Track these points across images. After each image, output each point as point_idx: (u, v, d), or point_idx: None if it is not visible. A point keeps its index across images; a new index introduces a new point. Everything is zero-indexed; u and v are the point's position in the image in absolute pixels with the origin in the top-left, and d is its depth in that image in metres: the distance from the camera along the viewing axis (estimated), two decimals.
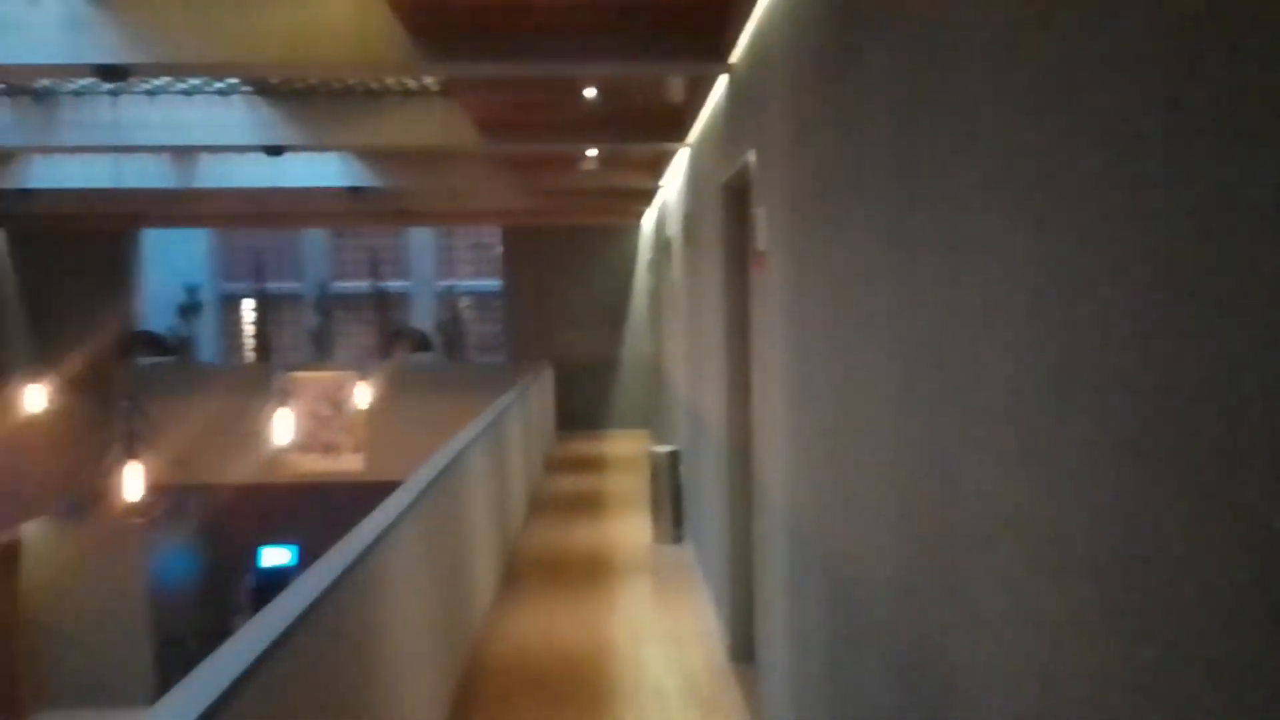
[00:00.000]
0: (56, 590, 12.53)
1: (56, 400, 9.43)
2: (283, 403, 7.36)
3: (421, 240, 20.33)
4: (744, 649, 5.50)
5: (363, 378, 12.11)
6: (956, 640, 1.83)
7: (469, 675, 5.41)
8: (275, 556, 15.50)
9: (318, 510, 15.38)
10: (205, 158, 9.03)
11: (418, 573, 4.72)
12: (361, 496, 14.75)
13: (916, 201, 2.07)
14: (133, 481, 4.87)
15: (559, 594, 6.83)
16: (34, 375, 10.95)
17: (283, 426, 7.27)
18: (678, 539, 7.95)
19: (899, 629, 2.22)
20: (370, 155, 9.18)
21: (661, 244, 11.40)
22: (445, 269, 21.19)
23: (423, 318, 19.29)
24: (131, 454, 5.02)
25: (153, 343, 13.37)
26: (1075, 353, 1.32)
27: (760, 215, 4.24)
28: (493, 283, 19.33)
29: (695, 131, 6.94)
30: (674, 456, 8.00)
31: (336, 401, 12.77)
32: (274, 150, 7.12)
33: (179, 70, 5.39)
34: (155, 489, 5.23)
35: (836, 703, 2.96)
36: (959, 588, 1.82)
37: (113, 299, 13.20)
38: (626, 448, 12.81)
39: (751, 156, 4.41)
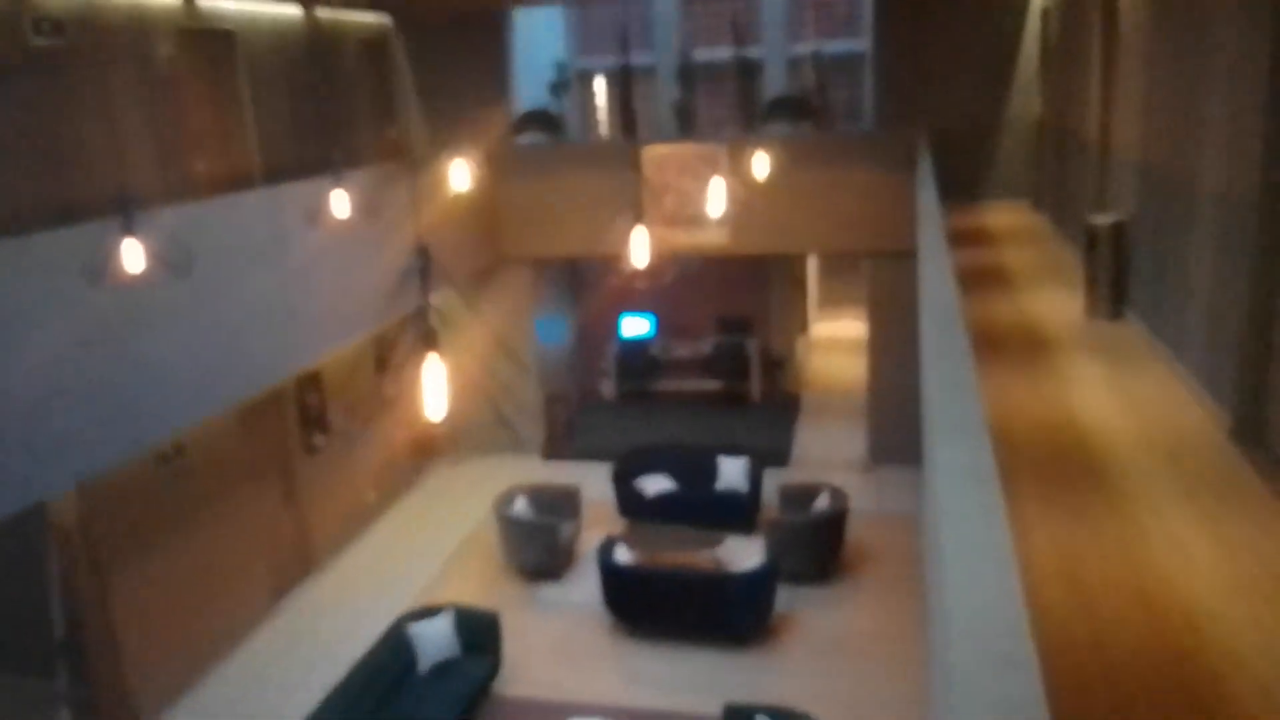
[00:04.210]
0: (462, 351, 13.94)
1: (473, 176, 10.10)
2: (719, 172, 7.38)
3: (770, 1, 19.22)
4: (1249, 429, 5.10)
5: (729, 150, 12.02)
6: None
7: None
8: (635, 326, 16.43)
9: (675, 281, 16.04)
10: None
11: None
12: (718, 269, 15.01)
13: None
14: (641, 243, 5.09)
15: (1006, 367, 6.62)
16: (438, 154, 11.81)
17: (716, 196, 7.34)
18: (1116, 315, 7.42)
19: None
20: None
21: None
22: (794, 32, 19.89)
23: (775, 85, 18.49)
24: (639, 219, 5.22)
25: (543, 120, 13.90)
26: None
27: None
28: (843, 45, 18.17)
29: None
30: (1118, 228, 7.34)
31: (701, 175, 12.83)
32: None
33: None
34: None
35: None
36: None
37: (492, 80, 13.81)
38: (1010, 220, 12.04)
39: None
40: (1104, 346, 6.92)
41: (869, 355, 12.67)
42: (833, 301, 20.11)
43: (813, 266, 18.96)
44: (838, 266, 19.42)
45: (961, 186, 12.80)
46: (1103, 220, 7.42)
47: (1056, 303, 7.99)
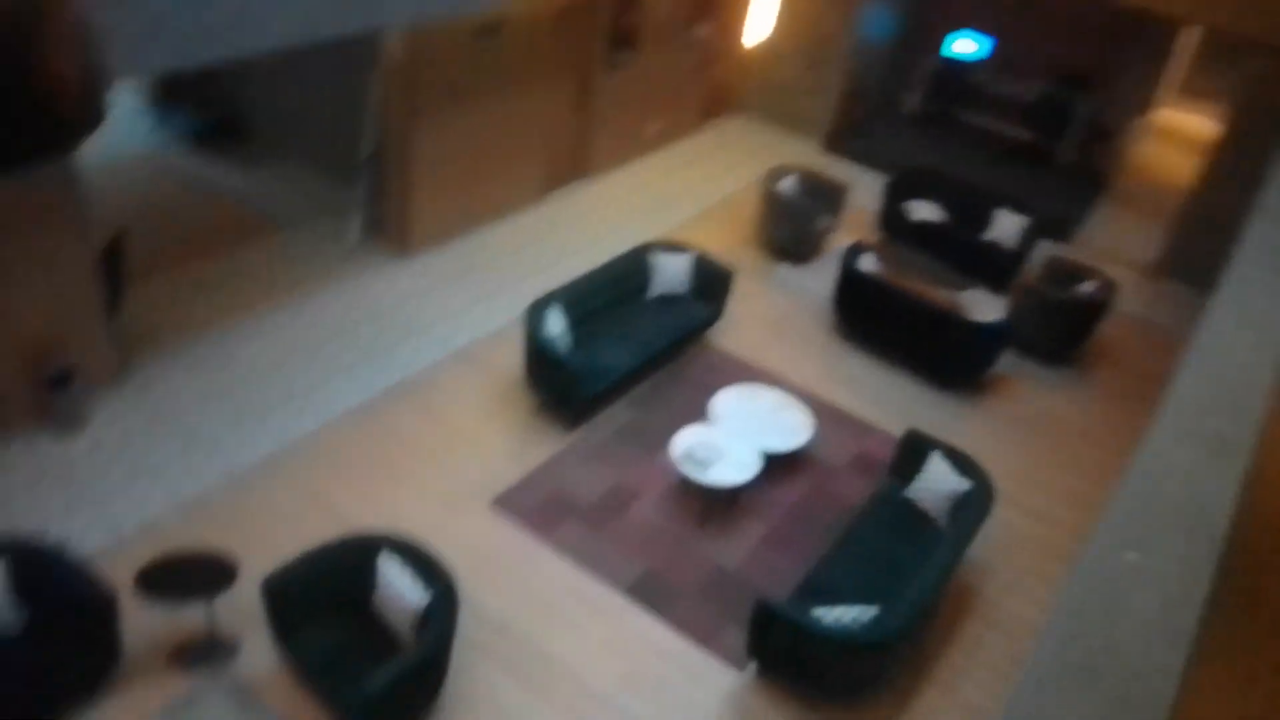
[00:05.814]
0: (783, 12, 13.43)
1: None
2: None
3: None
4: None
5: None
6: None
7: None
8: (964, 46, 15.17)
9: (1023, 8, 14.48)
10: None
11: None
12: (1078, 9, 13.32)
13: None
14: None
15: None
16: None
17: None
18: None
19: None
20: None
21: None
22: None
23: None
24: None
25: None
26: None
27: None
28: None
29: None
30: None
31: None
32: None
33: None
34: None
35: None
36: None
37: None
38: None
39: None
40: None
41: (1208, 159, 11.29)
42: (1192, 90, 17.65)
43: (1189, 42, 16.49)
44: (1217, 51, 16.81)
45: None
46: None
47: None
